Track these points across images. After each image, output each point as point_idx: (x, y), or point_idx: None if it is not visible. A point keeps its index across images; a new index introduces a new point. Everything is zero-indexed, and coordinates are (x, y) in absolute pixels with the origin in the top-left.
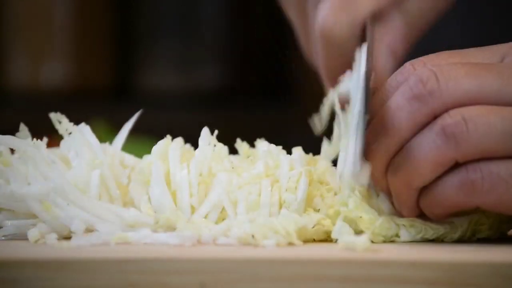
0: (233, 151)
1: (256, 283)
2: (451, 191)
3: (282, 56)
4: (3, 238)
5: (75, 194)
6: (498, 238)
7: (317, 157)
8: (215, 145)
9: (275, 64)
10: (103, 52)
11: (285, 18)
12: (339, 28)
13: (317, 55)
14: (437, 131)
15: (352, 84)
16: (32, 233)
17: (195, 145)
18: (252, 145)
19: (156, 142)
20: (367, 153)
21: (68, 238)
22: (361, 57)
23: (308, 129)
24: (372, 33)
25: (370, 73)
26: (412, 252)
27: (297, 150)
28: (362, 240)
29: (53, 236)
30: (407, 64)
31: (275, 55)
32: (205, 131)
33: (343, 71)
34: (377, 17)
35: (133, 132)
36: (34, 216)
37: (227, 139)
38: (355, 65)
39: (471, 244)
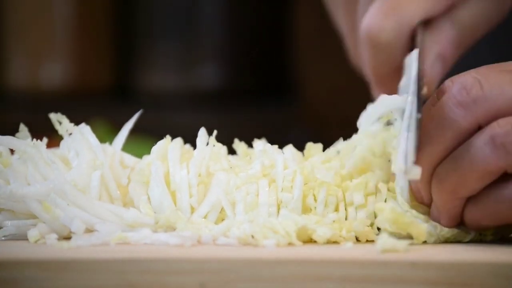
0: (233, 151)
1: (256, 283)
2: (505, 205)
3: (281, 56)
4: (3, 238)
5: (75, 194)
6: (498, 238)
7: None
8: (214, 145)
9: (275, 64)
10: (103, 52)
11: (284, 18)
12: (385, 33)
13: (363, 59)
14: (486, 140)
15: (402, 88)
16: (32, 233)
17: (195, 145)
18: (252, 145)
19: (156, 142)
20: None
21: (68, 238)
22: (411, 61)
23: (307, 129)
24: (422, 39)
25: (421, 77)
26: (412, 252)
27: (289, 148)
28: (403, 243)
29: (53, 236)
30: (447, 81)
31: (274, 55)
32: (202, 131)
33: (389, 76)
34: (427, 25)
35: (133, 132)
36: (34, 217)
37: (227, 139)
38: (406, 70)
39: (471, 244)
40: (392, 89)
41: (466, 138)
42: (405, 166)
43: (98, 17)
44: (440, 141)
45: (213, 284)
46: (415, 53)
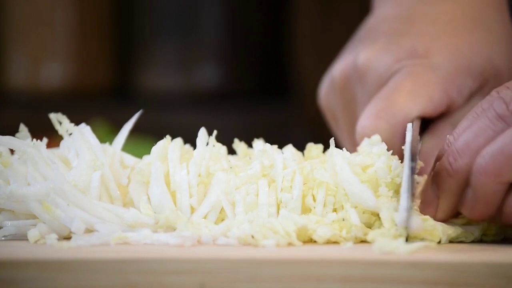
0: (233, 151)
1: (256, 283)
2: None
3: (281, 56)
4: (3, 238)
5: (75, 194)
6: (499, 238)
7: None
8: (214, 145)
9: (274, 64)
10: (103, 52)
11: (284, 18)
12: (379, 134)
13: None
14: None
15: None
16: (32, 234)
17: (195, 145)
18: (252, 145)
19: (156, 142)
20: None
21: (68, 238)
22: (406, 140)
23: (307, 129)
24: (417, 125)
25: (415, 148)
26: (412, 252)
27: (288, 148)
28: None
29: (53, 236)
30: (493, 92)
31: (274, 55)
32: (202, 131)
33: None
34: (427, 127)
35: (133, 132)
36: (34, 217)
37: (227, 139)
38: (404, 155)
39: (471, 244)
40: None
41: None
42: (406, 223)
43: (98, 18)
44: (483, 134)
45: (213, 284)
46: (409, 128)
